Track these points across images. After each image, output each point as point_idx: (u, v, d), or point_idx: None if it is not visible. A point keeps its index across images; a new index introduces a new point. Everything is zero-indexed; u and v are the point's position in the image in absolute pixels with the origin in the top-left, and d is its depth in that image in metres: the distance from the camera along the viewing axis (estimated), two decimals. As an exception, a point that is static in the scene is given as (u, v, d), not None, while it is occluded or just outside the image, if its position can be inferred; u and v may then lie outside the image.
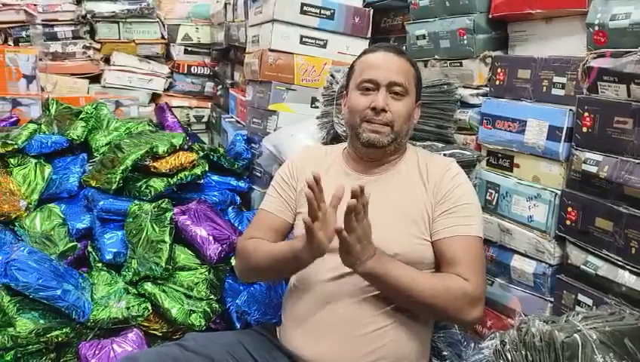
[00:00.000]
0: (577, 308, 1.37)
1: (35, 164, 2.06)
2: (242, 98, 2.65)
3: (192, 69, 3.35)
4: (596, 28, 1.33)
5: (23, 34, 2.93)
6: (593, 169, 1.34)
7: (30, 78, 2.74)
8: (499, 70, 1.68)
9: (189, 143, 2.21)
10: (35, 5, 2.92)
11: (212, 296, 1.83)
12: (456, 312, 1.24)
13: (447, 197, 1.32)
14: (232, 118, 2.87)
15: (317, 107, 2.02)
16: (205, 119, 3.41)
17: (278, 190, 1.46)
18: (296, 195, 1.43)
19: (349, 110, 1.38)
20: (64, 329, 1.61)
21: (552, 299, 1.50)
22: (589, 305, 1.36)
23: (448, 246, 1.28)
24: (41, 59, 2.86)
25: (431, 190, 1.33)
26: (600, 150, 1.34)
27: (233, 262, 1.87)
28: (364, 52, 1.44)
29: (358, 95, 1.35)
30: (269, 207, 1.45)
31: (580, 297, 1.39)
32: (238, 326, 1.79)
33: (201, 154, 2.19)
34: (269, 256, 1.33)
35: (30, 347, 1.58)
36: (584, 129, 1.37)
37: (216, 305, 1.82)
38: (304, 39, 2.21)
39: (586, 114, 1.36)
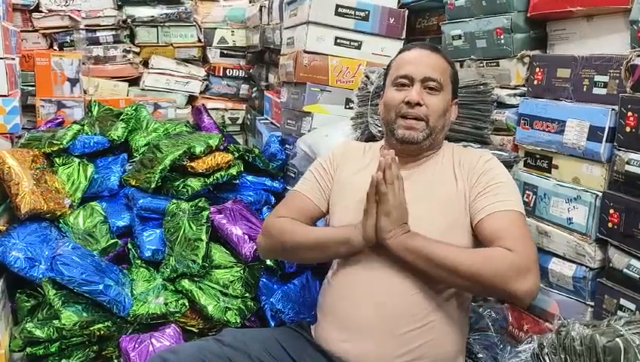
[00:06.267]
0: (619, 313, 1.34)
1: (79, 163, 2.13)
2: (277, 100, 2.68)
3: (228, 72, 3.42)
4: (640, 25, 1.30)
5: (67, 39, 3.06)
6: (637, 170, 1.31)
7: (74, 81, 2.85)
8: (537, 70, 1.65)
9: (225, 144, 2.25)
10: (78, 11, 3.04)
11: (247, 294, 1.86)
12: (503, 284, 1.16)
13: (481, 180, 1.31)
14: (266, 119, 2.90)
15: (351, 108, 2.02)
16: (240, 121, 3.46)
17: (315, 175, 1.46)
18: (332, 185, 1.43)
19: (384, 106, 1.39)
20: (106, 323, 1.67)
21: (592, 304, 1.47)
22: (631, 310, 1.32)
23: (488, 224, 1.25)
24: (83, 63, 2.98)
25: (465, 177, 1.33)
26: (644, 150, 1.30)
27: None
28: (400, 51, 1.45)
29: (393, 91, 1.36)
30: (304, 189, 1.45)
31: (623, 302, 1.35)
32: (273, 324, 1.80)
33: (237, 154, 2.23)
34: (311, 237, 1.34)
35: (74, 339, 1.65)
36: (627, 129, 1.34)
37: (251, 303, 1.85)
38: (339, 41, 2.22)
39: (630, 113, 1.33)
